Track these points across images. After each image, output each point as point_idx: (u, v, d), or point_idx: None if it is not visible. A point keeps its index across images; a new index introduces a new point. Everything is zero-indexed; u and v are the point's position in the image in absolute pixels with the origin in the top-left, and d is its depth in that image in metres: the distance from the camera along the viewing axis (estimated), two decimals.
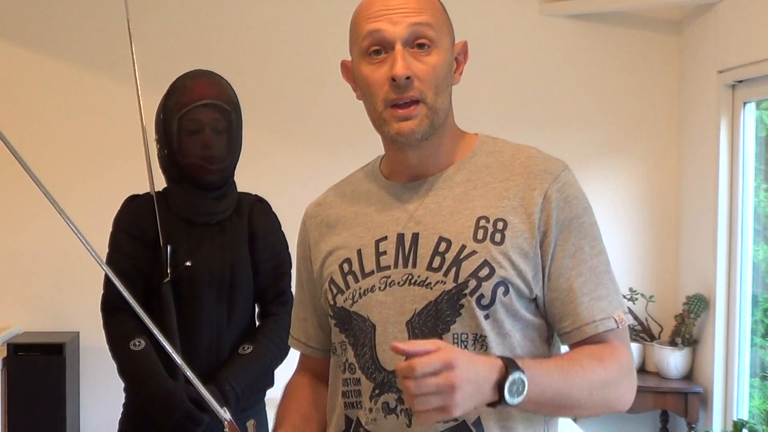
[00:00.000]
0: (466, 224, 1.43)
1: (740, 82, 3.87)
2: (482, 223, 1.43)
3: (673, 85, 4.41)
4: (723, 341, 3.95)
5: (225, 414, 1.59)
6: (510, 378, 1.27)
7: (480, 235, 1.42)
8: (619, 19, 4.41)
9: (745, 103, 3.91)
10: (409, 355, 1.24)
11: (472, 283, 1.40)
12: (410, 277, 1.44)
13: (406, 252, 1.45)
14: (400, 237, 1.47)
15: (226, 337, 2.38)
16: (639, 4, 4.32)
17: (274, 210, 2.53)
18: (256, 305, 2.50)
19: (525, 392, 1.28)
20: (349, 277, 1.49)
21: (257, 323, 2.51)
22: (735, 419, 3.66)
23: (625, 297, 4.02)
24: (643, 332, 4.27)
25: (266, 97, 4.29)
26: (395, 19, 1.42)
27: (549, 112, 4.43)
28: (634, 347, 4.06)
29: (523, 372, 1.28)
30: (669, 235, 4.43)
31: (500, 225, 1.42)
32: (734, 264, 3.92)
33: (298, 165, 4.35)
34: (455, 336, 1.40)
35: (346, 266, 1.50)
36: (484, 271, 1.40)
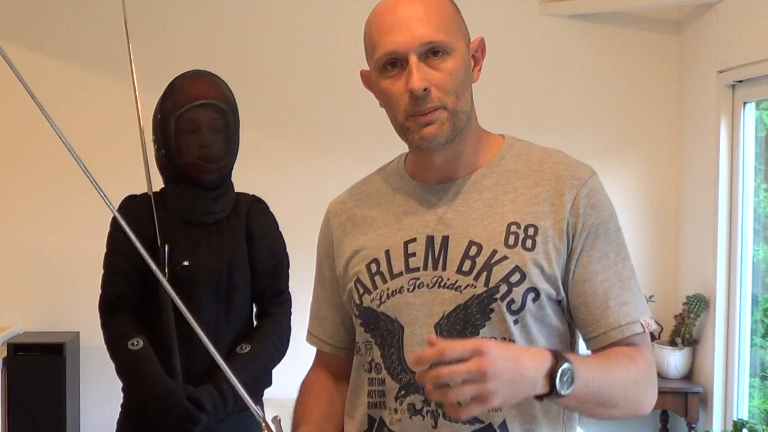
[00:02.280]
0: (497, 229, 1.44)
1: (740, 82, 3.86)
2: (513, 228, 1.43)
3: (673, 85, 4.41)
4: (723, 341, 3.94)
5: (263, 415, 1.56)
6: (560, 368, 1.27)
7: (511, 241, 1.42)
8: (619, 19, 4.41)
9: (745, 103, 3.91)
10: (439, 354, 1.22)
11: (503, 288, 1.40)
12: (440, 279, 1.44)
13: (436, 254, 1.46)
14: (430, 239, 1.47)
15: (224, 337, 2.38)
16: (639, 4, 4.32)
17: (271, 210, 2.53)
18: (253, 305, 2.50)
19: (574, 384, 1.28)
20: (377, 278, 1.49)
21: (255, 323, 2.50)
22: (735, 419, 3.65)
23: None
24: None
25: (264, 97, 4.29)
26: (406, 32, 1.40)
27: (549, 112, 4.42)
28: None
29: (571, 363, 1.28)
30: (669, 235, 4.43)
31: (531, 231, 1.43)
32: (734, 264, 3.92)
33: (296, 165, 4.34)
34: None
35: (373, 266, 1.50)
36: (515, 277, 1.41)
